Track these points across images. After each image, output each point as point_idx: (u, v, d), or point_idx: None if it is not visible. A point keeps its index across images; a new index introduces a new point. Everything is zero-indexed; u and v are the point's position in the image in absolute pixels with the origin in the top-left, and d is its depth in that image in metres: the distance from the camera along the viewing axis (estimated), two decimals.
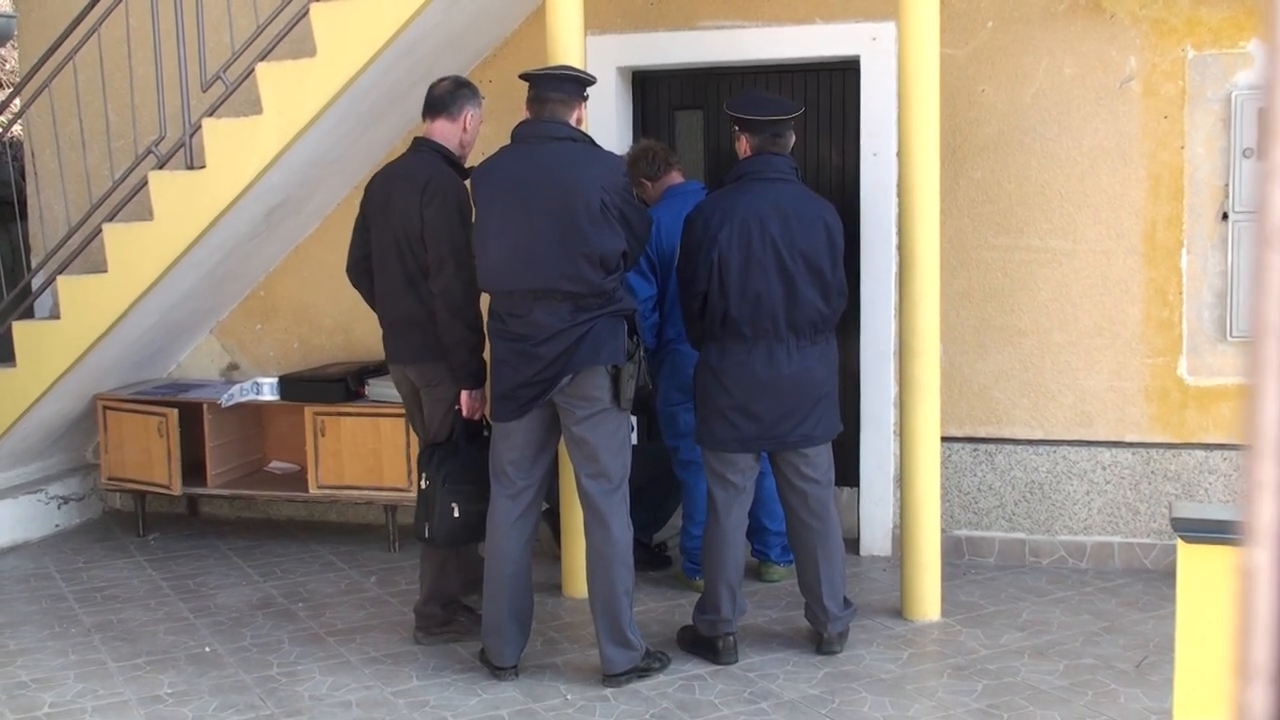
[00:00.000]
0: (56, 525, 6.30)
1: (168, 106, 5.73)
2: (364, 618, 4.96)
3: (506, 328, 4.09)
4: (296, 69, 5.16)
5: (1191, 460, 5.26)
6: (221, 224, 5.43)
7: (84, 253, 5.85)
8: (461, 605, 4.67)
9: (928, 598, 4.77)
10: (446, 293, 4.29)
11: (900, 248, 4.80)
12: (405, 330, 4.47)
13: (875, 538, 5.59)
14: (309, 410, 5.80)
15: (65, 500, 6.37)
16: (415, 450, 5.22)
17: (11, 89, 6.95)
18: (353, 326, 6.19)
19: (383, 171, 4.56)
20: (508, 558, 4.19)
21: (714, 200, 4.40)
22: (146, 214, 5.51)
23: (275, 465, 6.35)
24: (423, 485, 4.47)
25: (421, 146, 4.44)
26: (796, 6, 5.47)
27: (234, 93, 5.48)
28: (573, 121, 4.15)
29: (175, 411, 5.89)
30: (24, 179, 6.78)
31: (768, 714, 3.97)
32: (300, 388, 5.87)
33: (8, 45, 8.64)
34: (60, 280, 5.76)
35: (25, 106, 6.28)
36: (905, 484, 4.78)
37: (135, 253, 5.50)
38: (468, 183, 4.29)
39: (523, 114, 4.20)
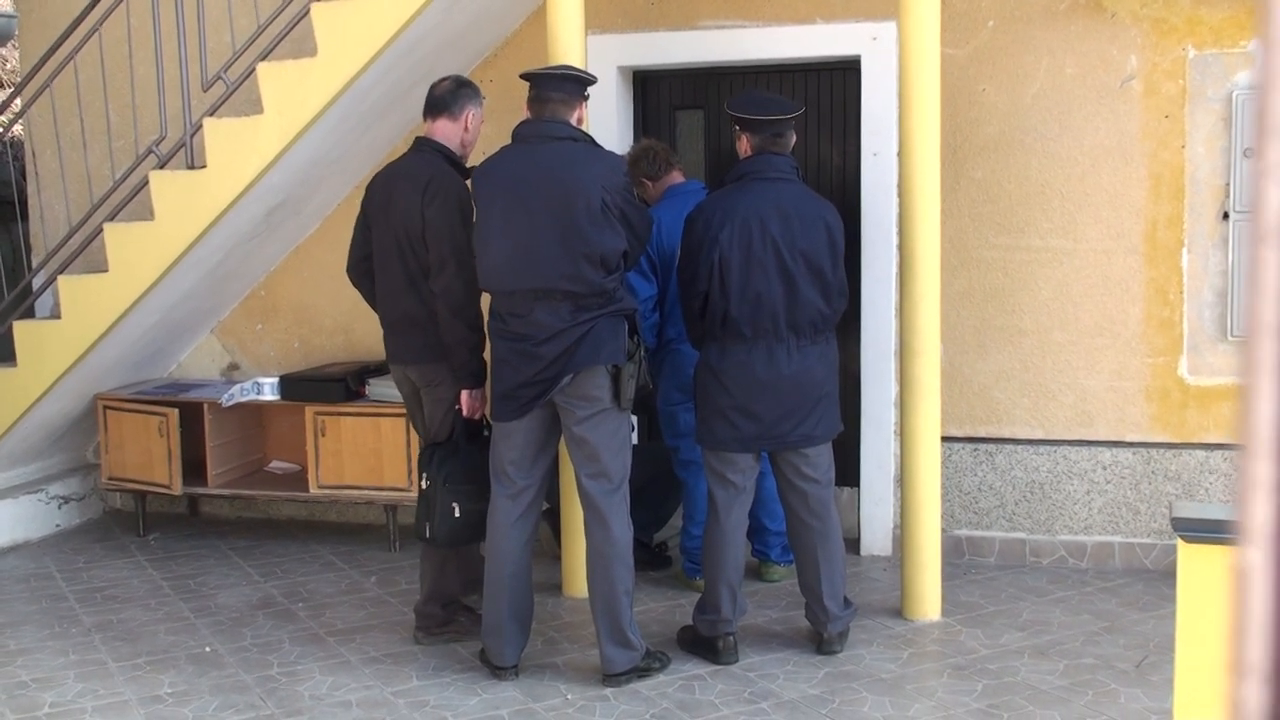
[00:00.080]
0: (57, 525, 6.31)
1: (168, 106, 5.73)
2: (364, 618, 4.96)
3: (507, 327, 4.09)
4: (297, 69, 5.16)
5: (1192, 460, 5.26)
6: (222, 224, 5.43)
7: (85, 252, 5.85)
8: (462, 605, 4.67)
9: (928, 597, 4.77)
10: (447, 292, 4.29)
11: (901, 247, 4.80)
12: (406, 330, 4.47)
13: (876, 537, 5.59)
14: (309, 410, 5.80)
15: (66, 500, 6.37)
16: (416, 450, 5.22)
17: (12, 89, 6.96)
18: (353, 326, 6.20)
19: (384, 171, 4.56)
20: (508, 557, 4.19)
21: (715, 200, 4.40)
22: (147, 214, 5.51)
23: (276, 465, 6.35)
24: (423, 485, 4.47)
25: (423, 146, 4.44)
26: (797, 6, 5.46)
27: (235, 92, 5.48)
28: (574, 121, 4.15)
29: (176, 411, 5.89)
30: (25, 179, 6.79)
31: (768, 714, 3.97)
32: (301, 387, 5.87)
33: (9, 45, 8.64)
34: (61, 280, 5.76)
35: (26, 106, 6.28)
36: (905, 484, 4.78)
37: (136, 252, 5.51)
38: (469, 182, 4.29)
39: (523, 114, 4.20)
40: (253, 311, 6.41)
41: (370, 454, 5.75)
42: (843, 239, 4.38)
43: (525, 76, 4.21)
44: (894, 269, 5.28)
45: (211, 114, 5.45)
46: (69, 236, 5.90)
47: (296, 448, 6.12)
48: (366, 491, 5.82)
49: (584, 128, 4.19)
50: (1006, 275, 5.40)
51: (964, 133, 5.36)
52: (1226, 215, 5.15)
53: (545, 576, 5.07)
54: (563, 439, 4.24)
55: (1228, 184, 5.14)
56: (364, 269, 4.58)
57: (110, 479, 6.16)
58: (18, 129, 7.28)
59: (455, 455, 4.44)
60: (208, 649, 4.63)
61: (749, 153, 4.38)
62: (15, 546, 6.03)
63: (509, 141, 4.18)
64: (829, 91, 5.74)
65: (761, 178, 4.31)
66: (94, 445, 6.48)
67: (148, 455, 5.98)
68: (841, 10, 5.43)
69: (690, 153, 5.90)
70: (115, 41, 5.96)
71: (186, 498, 6.38)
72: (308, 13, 5.16)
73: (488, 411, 4.39)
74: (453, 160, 4.43)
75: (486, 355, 4.30)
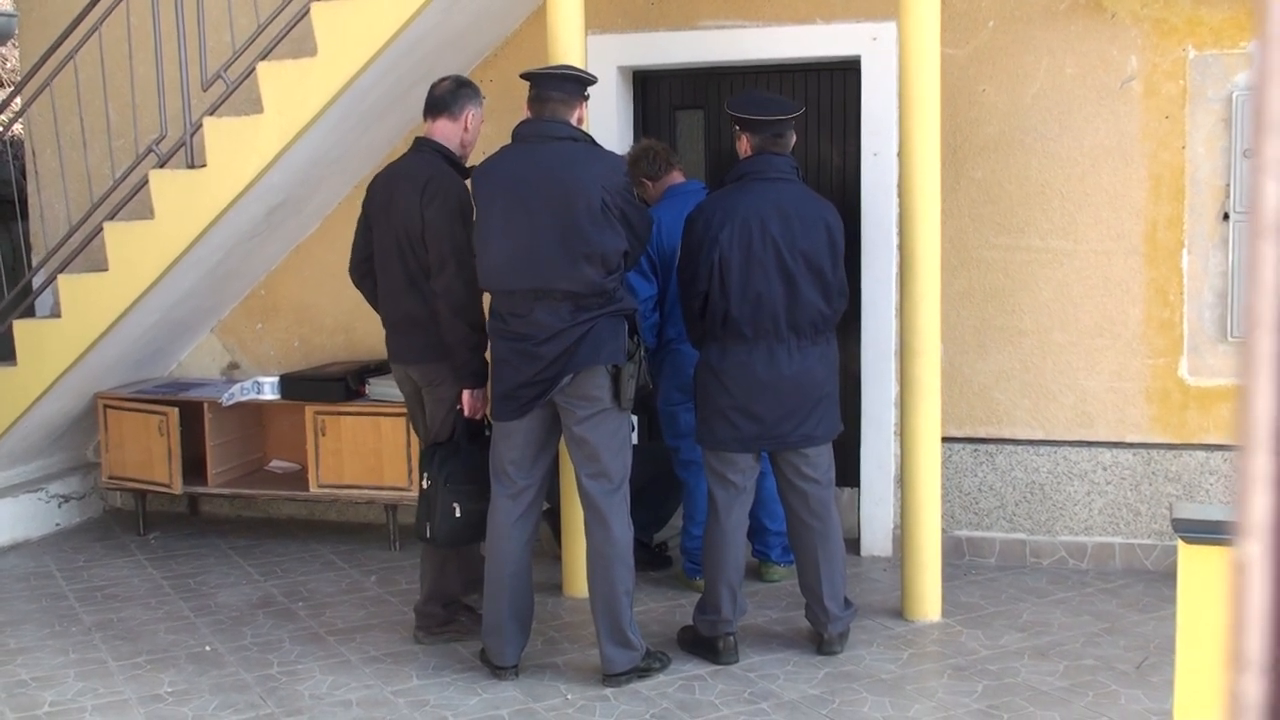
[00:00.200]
0: (57, 524, 6.31)
1: (168, 105, 5.73)
2: (364, 617, 4.96)
3: (507, 327, 4.09)
4: (297, 68, 5.16)
5: (1192, 461, 5.26)
6: (222, 223, 5.43)
7: (85, 251, 5.86)
8: (462, 605, 4.67)
9: (928, 598, 4.77)
10: (448, 292, 4.29)
11: (901, 248, 4.80)
12: (407, 330, 4.47)
13: (876, 538, 5.59)
14: (309, 409, 5.80)
15: (66, 499, 6.37)
16: (416, 450, 5.22)
17: (12, 88, 6.96)
18: (353, 326, 6.20)
19: (384, 171, 4.56)
20: (508, 557, 4.18)
21: (715, 200, 4.40)
22: (147, 213, 5.51)
23: (276, 464, 6.35)
24: (424, 485, 4.47)
25: (423, 146, 4.44)
26: (797, 6, 5.47)
27: (235, 92, 5.48)
28: (574, 121, 4.15)
29: (176, 410, 5.89)
30: (25, 178, 6.79)
31: (768, 714, 3.97)
32: (301, 387, 5.87)
33: (9, 44, 8.64)
34: (61, 279, 5.76)
35: (26, 105, 6.28)
36: (906, 484, 4.78)
37: (136, 251, 5.51)
38: (469, 182, 4.29)
39: (524, 113, 4.20)
40: (253, 311, 6.41)
41: (370, 453, 5.75)
42: (843, 239, 4.37)
43: (525, 76, 4.21)
44: (894, 269, 5.28)
45: (211, 113, 5.45)
46: (69, 235, 5.90)
47: (297, 447, 6.12)
48: (367, 491, 5.82)
49: (584, 128, 4.19)
50: (1007, 276, 5.40)
51: (964, 133, 5.36)
52: (1227, 216, 5.15)
53: (545, 576, 5.07)
54: (563, 439, 4.24)
55: (1228, 185, 5.14)
56: (365, 269, 4.59)
57: (110, 478, 6.16)
58: (18, 128, 7.29)
59: (456, 455, 4.44)
60: (208, 648, 4.63)
61: (749, 153, 4.38)
62: (15, 545, 6.03)
63: (509, 141, 4.18)
64: (829, 92, 5.74)
65: (762, 178, 4.31)
66: (94, 444, 6.48)
67: (148, 454, 5.98)
68: (842, 10, 5.43)
69: (690, 153, 5.90)
70: (115, 40, 5.96)
71: (186, 497, 6.38)
72: (308, 12, 5.17)
73: (488, 411, 4.39)
74: (452, 160, 4.43)
75: (488, 355, 4.30)
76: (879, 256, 5.43)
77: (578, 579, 4.86)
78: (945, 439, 5.19)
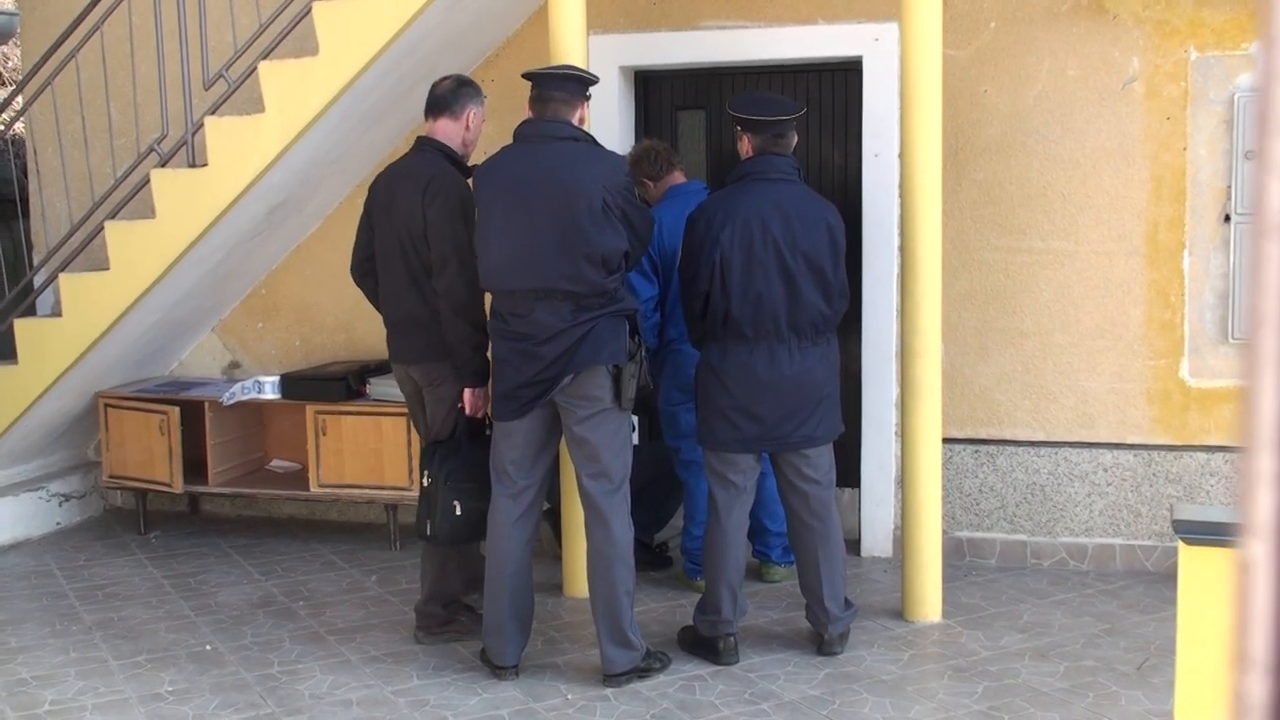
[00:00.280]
0: (58, 523, 6.31)
1: (170, 105, 5.73)
2: (365, 617, 4.96)
3: (508, 327, 4.09)
4: (299, 68, 5.16)
5: (1193, 462, 5.26)
6: (223, 222, 5.43)
7: (86, 250, 5.86)
8: (462, 604, 4.67)
9: (929, 599, 4.77)
10: (450, 292, 4.29)
11: (902, 249, 4.80)
12: (409, 330, 4.47)
13: (876, 539, 5.59)
14: (310, 409, 5.80)
15: (66, 498, 6.38)
16: (416, 449, 5.22)
17: (14, 87, 6.96)
18: (354, 325, 6.20)
19: (386, 171, 4.56)
20: (509, 557, 4.18)
21: (716, 200, 4.40)
22: (148, 212, 5.52)
23: (276, 464, 6.36)
24: (425, 483, 4.47)
25: (424, 145, 4.44)
26: (799, 7, 5.47)
27: (236, 91, 5.48)
28: (575, 121, 4.15)
29: (177, 409, 5.90)
30: (26, 176, 6.79)
31: (768, 715, 3.97)
32: (301, 386, 5.87)
33: (10, 43, 8.64)
34: (62, 278, 5.77)
35: (28, 104, 6.28)
36: (906, 485, 4.78)
37: (137, 251, 5.51)
38: (471, 181, 4.29)
39: (525, 113, 4.20)
40: (254, 310, 6.41)
41: (371, 453, 5.75)
42: (844, 240, 4.37)
43: (527, 76, 4.21)
44: (895, 270, 5.27)
45: (213, 112, 5.45)
46: (70, 234, 5.90)
47: (297, 446, 6.12)
48: (367, 490, 5.82)
49: (586, 128, 4.19)
50: (1008, 277, 5.40)
51: (965, 134, 5.36)
52: (1228, 218, 5.15)
53: (546, 576, 5.07)
54: (563, 439, 4.24)
55: (1229, 186, 5.14)
56: (367, 269, 4.59)
57: (111, 477, 6.16)
58: (19, 127, 7.29)
59: (457, 453, 4.44)
60: (208, 647, 4.63)
61: (750, 153, 4.38)
62: (16, 544, 6.03)
63: (510, 141, 4.18)
64: (830, 92, 5.74)
65: (763, 178, 4.31)
66: (95, 443, 6.48)
67: (148, 453, 5.98)
68: (843, 11, 5.43)
69: (692, 153, 5.90)
70: (117, 40, 5.97)
71: (187, 496, 6.38)
72: (309, 12, 5.17)
73: (489, 410, 4.39)
74: (454, 159, 4.43)
75: (489, 354, 4.30)
76: (880, 257, 5.43)
77: (578, 579, 4.86)
78: (946, 440, 5.19)
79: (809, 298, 4.24)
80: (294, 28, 5.35)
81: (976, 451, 5.48)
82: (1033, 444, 5.43)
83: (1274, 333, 0.62)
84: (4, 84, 9.25)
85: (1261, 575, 0.60)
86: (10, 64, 9.36)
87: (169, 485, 5.98)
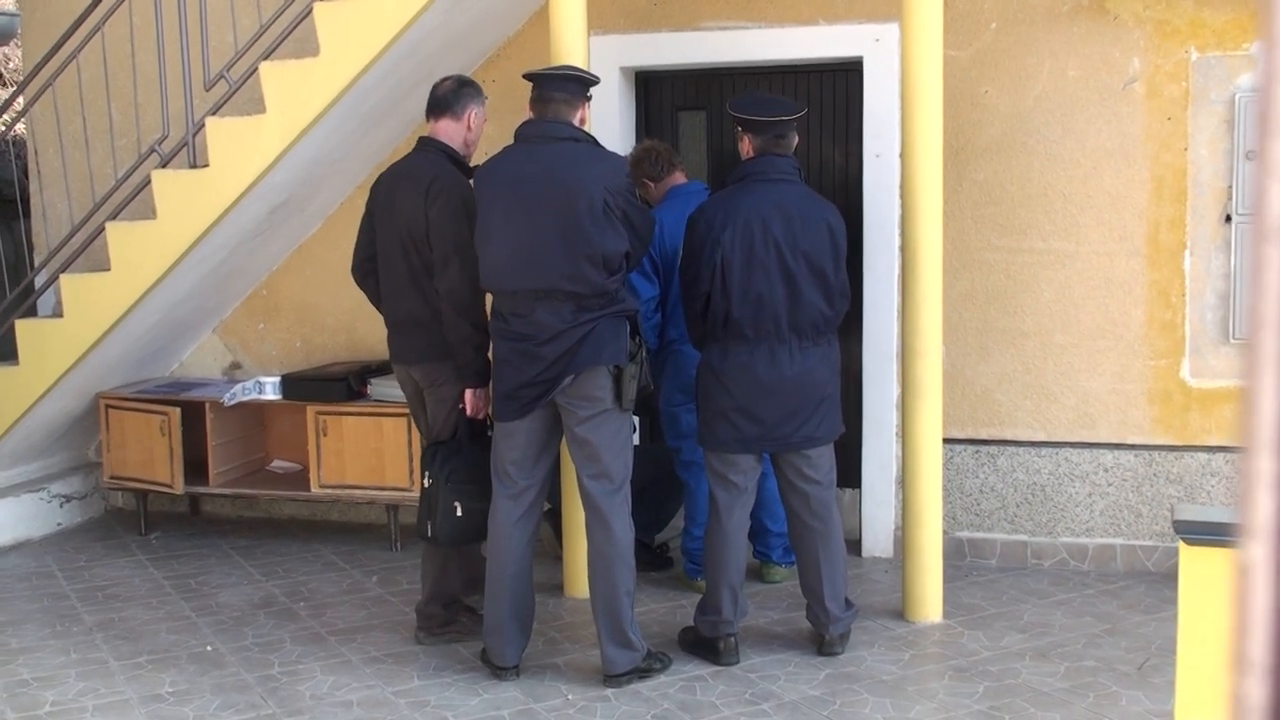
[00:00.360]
0: (58, 524, 6.31)
1: (171, 105, 5.73)
2: (365, 617, 4.96)
3: (509, 327, 4.09)
4: (300, 68, 5.16)
5: (1194, 463, 5.26)
6: (224, 223, 5.44)
7: (87, 251, 5.86)
8: (463, 605, 4.67)
9: (929, 599, 4.77)
10: (452, 292, 4.29)
11: (903, 249, 4.80)
12: (410, 330, 4.47)
13: (877, 539, 5.59)
14: (311, 409, 5.80)
15: (67, 498, 6.38)
16: (417, 450, 5.22)
17: (15, 87, 6.96)
18: (355, 326, 6.20)
19: (388, 171, 4.56)
20: (509, 558, 4.18)
21: (717, 201, 4.40)
22: (149, 213, 5.52)
23: (277, 464, 6.36)
24: (425, 483, 4.47)
25: (426, 146, 4.45)
26: (800, 7, 5.46)
27: (237, 92, 5.49)
28: (576, 121, 4.15)
29: (177, 410, 5.90)
30: (27, 177, 6.79)
31: (769, 715, 3.97)
32: (302, 387, 5.87)
33: (11, 43, 8.65)
34: (63, 279, 5.77)
35: (29, 105, 6.29)
36: (907, 485, 4.78)
37: (138, 251, 5.51)
38: (472, 181, 4.30)
39: (526, 114, 4.21)
40: (255, 310, 6.42)
41: (372, 454, 5.75)
42: (845, 240, 4.37)
43: (528, 77, 4.21)
44: (896, 270, 5.27)
45: (214, 113, 5.45)
46: (71, 235, 5.90)
47: (298, 447, 6.12)
48: (368, 491, 5.82)
49: (587, 128, 4.19)
50: (1009, 277, 5.40)
51: (966, 134, 5.36)
52: (1229, 218, 5.15)
53: (546, 577, 5.07)
54: (564, 439, 4.24)
55: (1230, 187, 5.14)
56: (368, 269, 4.59)
57: (112, 478, 6.16)
58: (20, 127, 7.29)
59: (458, 454, 4.44)
60: (209, 648, 4.63)
61: (751, 154, 4.38)
62: (17, 545, 6.03)
63: (511, 141, 4.19)
64: (831, 93, 5.74)
65: (764, 179, 4.31)
66: (96, 444, 6.48)
67: (149, 454, 5.98)
68: (844, 11, 5.43)
69: (692, 153, 5.90)
70: (118, 40, 5.97)
71: (188, 497, 6.38)
72: (310, 12, 5.17)
73: (490, 411, 4.39)
74: (456, 160, 4.43)
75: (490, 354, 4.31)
76: (881, 258, 5.43)
77: (579, 579, 4.86)
78: (947, 440, 5.19)
79: (810, 298, 4.24)
80: (295, 28, 5.35)
81: (977, 452, 5.48)
82: (1033, 444, 5.43)
83: (1274, 334, 0.62)
84: (5, 85, 9.26)
85: (1260, 577, 0.60)
86: (11, 65, 9.37)
87: (170, 486, 5.98)
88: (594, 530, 4.17)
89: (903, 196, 4.78)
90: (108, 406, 6.10)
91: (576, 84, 4.16)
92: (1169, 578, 4.96)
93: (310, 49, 5.19)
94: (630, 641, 4.17)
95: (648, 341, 4.51)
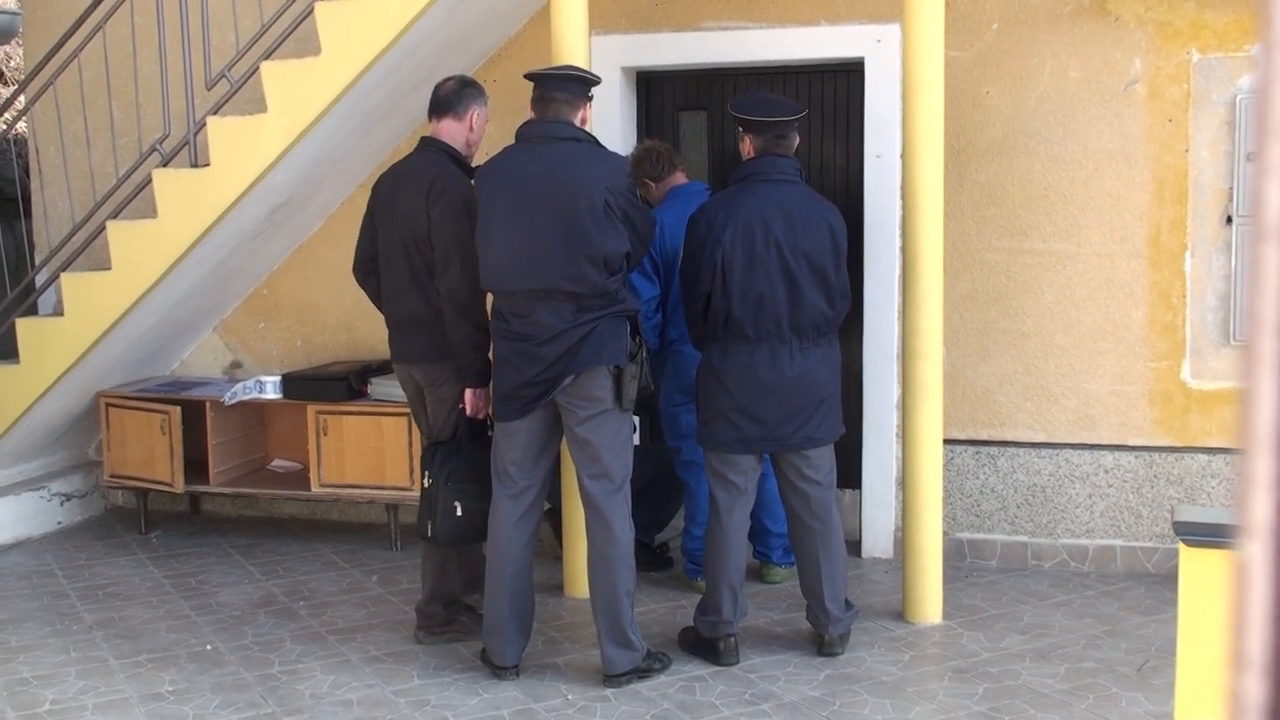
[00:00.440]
0: (59, 522, 6.31)
1: (172, 104, 5.74)
2: (365, 617, 4.96)
3: (509, 327, 4.09)
4: (301, 68, 5.16)
5: (1194, 464, 5.26)
6: (225, 222, 5.44)
7: (87, 250, 5.86)
8: (463, 605, 4.67)
9: (929, 600, 4.77)
10: (453, 292, 4.29)
11: (904, 250, 4.80)
12: (411, 330, 4.47)
13: (877, 540, 5.59)
14: (311, 409, 5.80)
15: (68, 497, 6.38)
16: (417, 450, 5.22)
17: (16, 86, 6.96)
18: (356, 325, 6.20)
19: (390, 171, 4.56)
20: (509, 558, 4.19)
21: (718, 201, 4.40)
22: (150, 212, 5.52)
23: (277, 464, 6.36)
24: (425, 483, 4.47)
25: (428, 146, 4.45)
26: (801, 8, 5.47)
27: (238, 91, 5.49)
28: (577, 122, 4.15)
29: (178, 409, 5.90)
30: (28, 176, 6.80)
31: (769, 715, 3.97)
32: (303, 386, 5.87)
33: (13, 42, 8.65)
34: (64, 277, 5.77)
35: (30, 104, 6.29)
36: (907, 486, 4.78)
37: (139, 250, 5.51)
38: (474, 181, 4.30)
39: (527, 114, 4.21)
40: (255, 310, 6.42)
41: (372, 453, 5.75)
42: (845, 241, 4.37)
43: (529, 77, 4.21)
44: (897, 271, 5.28)
45: (215, 112, 5.46)
46: (72, 234, 5.90)
47: (298, 446, 6.12)
48: (368, 490, 5.82)
49: (588, 128, 4.19)
50: (1009, 278, 5.40)
51: (967, 135, 5.36)
52: (1230, 219, 5.15)
53: (546, 577, 5.07)
54: (564, 439, 4.24)
55: (1231, 188, 5.14)
56: (369, 269, 4.59)
57: (112, 476, 6.16)
58: (21, 126, 7.29)
59: (458, 454, 4.44)
60: (209, 647, 4.63)
61: (752, 154, 4.38)
62: (17, 543, 6.03)
63: (513, 141, 4.19)
64: (832, 93, 5.74)
65: (765, 179, 4.31)
66: (96, 443, 6.48)
67: (150, 453, 5.98)
68: (845, 12, 5.43)
69: (693, 154, 5.90)
70: (119, 39, 5.97)
71: (188, 496, 6.39)
72: (312, 12, 5.17)
73: (490, 411, 4.39)
74: (458, 160, 4.43)
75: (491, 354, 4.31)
76: (881, 258, 5.43)
77: (579, 579, 4.86)
78: (947, 441, 5.19)
79: (811, 299, 4.24)
80: (296, 28, 5.35)
81: (977, 453, 5.48)
82: (1034, 445, 5.43)
83: (1273, 335, 0.62)
84: (6, 83, 9.26)
85: (1258, 576, 0.60)
86: (13, 63, 9.37)
87: (170, 485, 5.98)
88: (594, 530, 4.17)
89: (904, 197, 4.78)
90: (108, 405, 6.10)
91: (578, 84, 4.16)
92: (1169, 579, 4.96)
93: (311, 48, 5.19)
94: (630, 641, 4.17)
95: (648, 341, 4.51)
